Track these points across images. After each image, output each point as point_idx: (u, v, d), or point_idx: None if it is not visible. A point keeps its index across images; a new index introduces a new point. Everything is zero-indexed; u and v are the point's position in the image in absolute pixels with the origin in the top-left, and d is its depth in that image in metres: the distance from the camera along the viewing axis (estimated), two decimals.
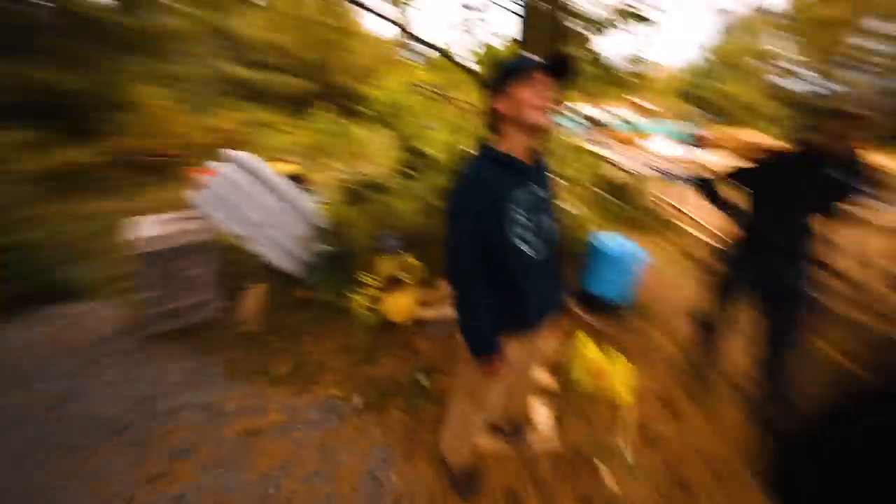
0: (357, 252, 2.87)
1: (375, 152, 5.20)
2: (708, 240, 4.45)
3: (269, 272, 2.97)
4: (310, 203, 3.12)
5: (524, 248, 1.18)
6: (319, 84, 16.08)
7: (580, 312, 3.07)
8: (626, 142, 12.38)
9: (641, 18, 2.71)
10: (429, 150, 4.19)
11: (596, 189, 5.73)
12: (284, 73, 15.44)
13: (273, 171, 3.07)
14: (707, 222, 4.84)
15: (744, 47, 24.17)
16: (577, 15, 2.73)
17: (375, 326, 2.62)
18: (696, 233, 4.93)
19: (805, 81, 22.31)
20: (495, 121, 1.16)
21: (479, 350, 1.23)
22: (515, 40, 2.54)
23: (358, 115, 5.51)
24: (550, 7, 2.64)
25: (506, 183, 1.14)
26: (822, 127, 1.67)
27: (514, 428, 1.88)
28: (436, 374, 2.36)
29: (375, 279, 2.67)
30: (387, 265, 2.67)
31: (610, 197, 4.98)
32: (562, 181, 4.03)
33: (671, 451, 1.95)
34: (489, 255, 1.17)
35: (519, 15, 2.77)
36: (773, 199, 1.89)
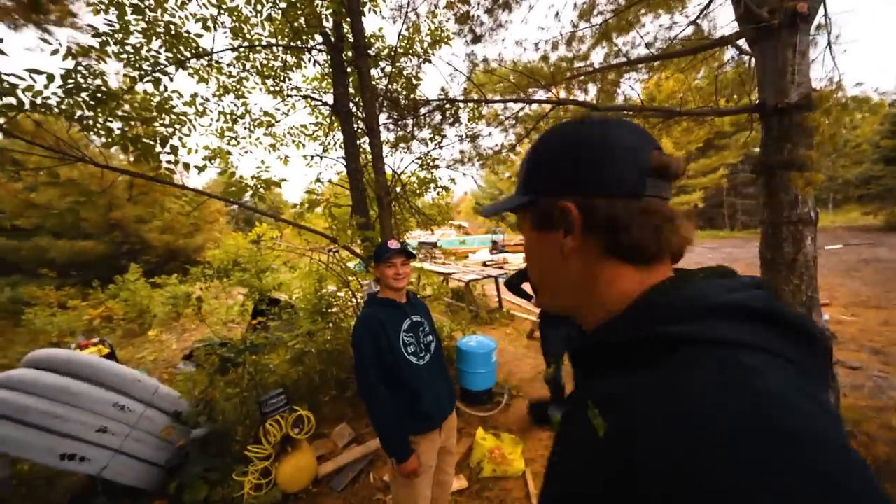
0: (235, 426, 2.59)
1: (227, 312, 4.85)
2: (530, 318, 5.87)
3: (94, 496, 2.26)
4: (159, 386, 2.71)
5: (411, 358, 1.64)
6: (128, 244, 13.70)
7: (466, 409, 3.49)
8: (456, 255, 15.19)
9: (445, 188, 4.02)
10: (286, 299, 4.32)
11: (446, 299, 6.83)
12: (59, 235, 12.64)
13: (97, 360, 2.60)
14: (524, 306, 6.40)
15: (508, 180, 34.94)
16: (403, 183, 3.82)
17: None
18: (522, 314, 6.40)
19: None
20: (377, 280, 1.73)
21: (396, 450, 1.53)
22: (357, 216, 3.21)
23: (193, 276, 5.16)
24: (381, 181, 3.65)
25: (389, 316, 1.66)
26: None
27: None
28: None
29: (263, 449, 2.45)
30: (275, 428, 2.52)
31: (456, 303, 6.04)
32: (425, 302, 4.79)
33: None
34: (388, 369, 1.58)
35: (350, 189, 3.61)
36: None
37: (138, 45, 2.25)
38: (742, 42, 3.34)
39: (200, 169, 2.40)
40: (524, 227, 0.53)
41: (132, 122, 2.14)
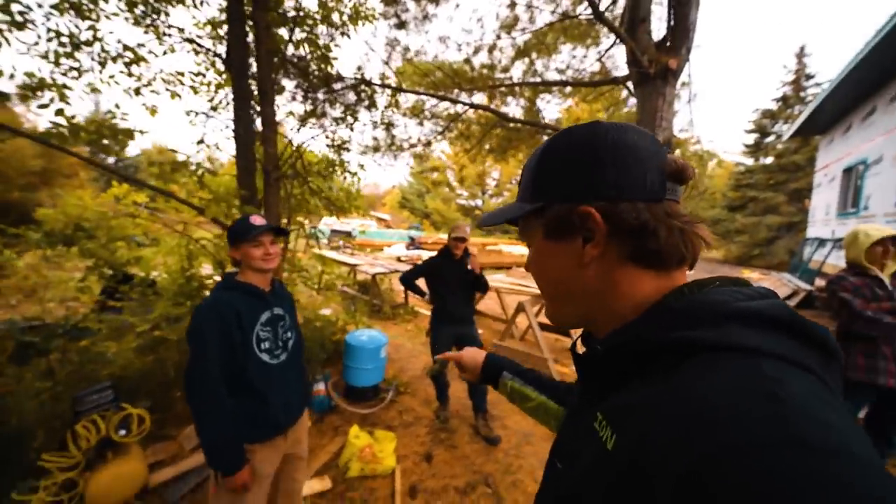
0: (34, 429, 2.04)
1: (57, 286, 3.89)
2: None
3: None
4: None
5: (263, 356, 1.44)
6: None
7: (347, 406, 3.34)
8: (371, 247, 14.73)
9: (353, 174, 3.80)
10: (142, 275, 3.63)
11: (348, 290, 6.52)
12: None
13: None
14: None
15: (436, 180, 35.24)
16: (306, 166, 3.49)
17: None
18: (426, 311, 6.44)
19: (469, 200, 35.09)
20: (235, 262, 1.48)
21: (226, 462, 1.31)
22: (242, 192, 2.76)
23: (16, 239, 4.06)
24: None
25: (245, 304, 1.42)
26: (449, 240, 2.96)
27: None
28: None
29: (69, 457, 1.98)
30: (88, 431, 2.05)
31: (359, 294, 5.80)
32: (317, 291, 4.44)
33: (428, 490, 2.43)
34: (233, 367, 1.36)
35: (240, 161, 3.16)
36: (439, 283, 3.04)
37: None
38: (631, 84, 3.80)
39: (3, 97, 1.82)
40: (532, 237, 0.50)
41: None
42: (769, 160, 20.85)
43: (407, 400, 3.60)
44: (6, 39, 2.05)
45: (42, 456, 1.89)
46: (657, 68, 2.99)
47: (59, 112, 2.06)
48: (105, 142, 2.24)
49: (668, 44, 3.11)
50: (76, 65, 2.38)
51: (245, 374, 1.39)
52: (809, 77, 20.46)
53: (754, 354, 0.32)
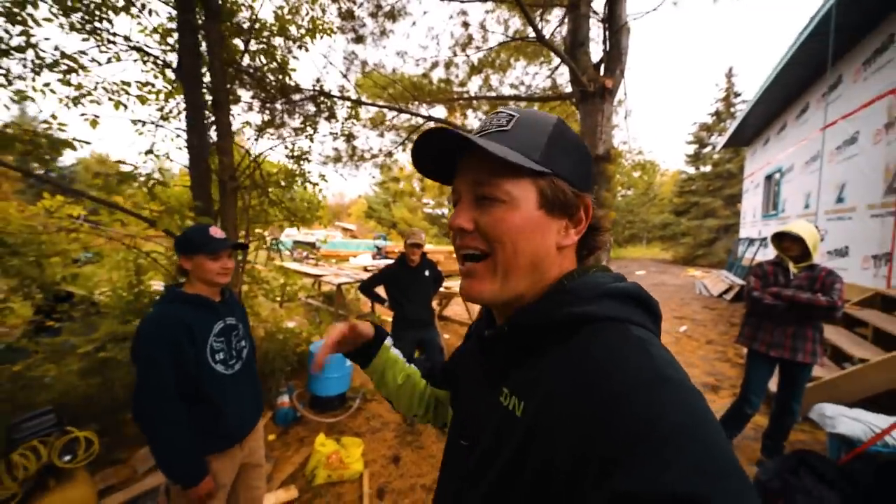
0: None
1: None
2: None
3: None
4: None
5: (218, 367, 1.43)
6: None
7: (313, 416, 3.31)
8: (337, 258, 14.46)
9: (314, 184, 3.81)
10: (83, 294, 3.41)
11: (312, 302, 6.39)
12: None
13: None
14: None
15: (402, 189, 35.19)
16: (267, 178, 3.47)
17: None
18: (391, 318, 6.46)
19: (435, 209, 35.42)
20: (185, 272, 1.46)
21: (186, 474, 1.30)
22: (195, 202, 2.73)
23: None
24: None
25: (195, 316, 1.39)
26: (405, 247, 3.07)
27: None
28: None
29: (3, 489, 1.84)
30: (27, 459, 1.92)
31: (323, 306, 5.72)
32: (278, 302, 4.35)
33: (396, 491, 2.48)
34: (184, 379, 1.33)
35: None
36: (396, 290, 3.13)
37: None
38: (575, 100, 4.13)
39: None
40: (511, 195, 0.45)
41: None
42: (707, 168, 22.86)
43: (374, 406, 3.62)
44: None
45: None
46: (596, 87, 3.30)
47: None
48: (41, 151, 2.14)
49: (604, 66, 3.45)
50: (3, 71, 2.24)
51: (200, 387, 1.38)
52: (737, 94, 22.77)
53: (623, 322, 0.42)
